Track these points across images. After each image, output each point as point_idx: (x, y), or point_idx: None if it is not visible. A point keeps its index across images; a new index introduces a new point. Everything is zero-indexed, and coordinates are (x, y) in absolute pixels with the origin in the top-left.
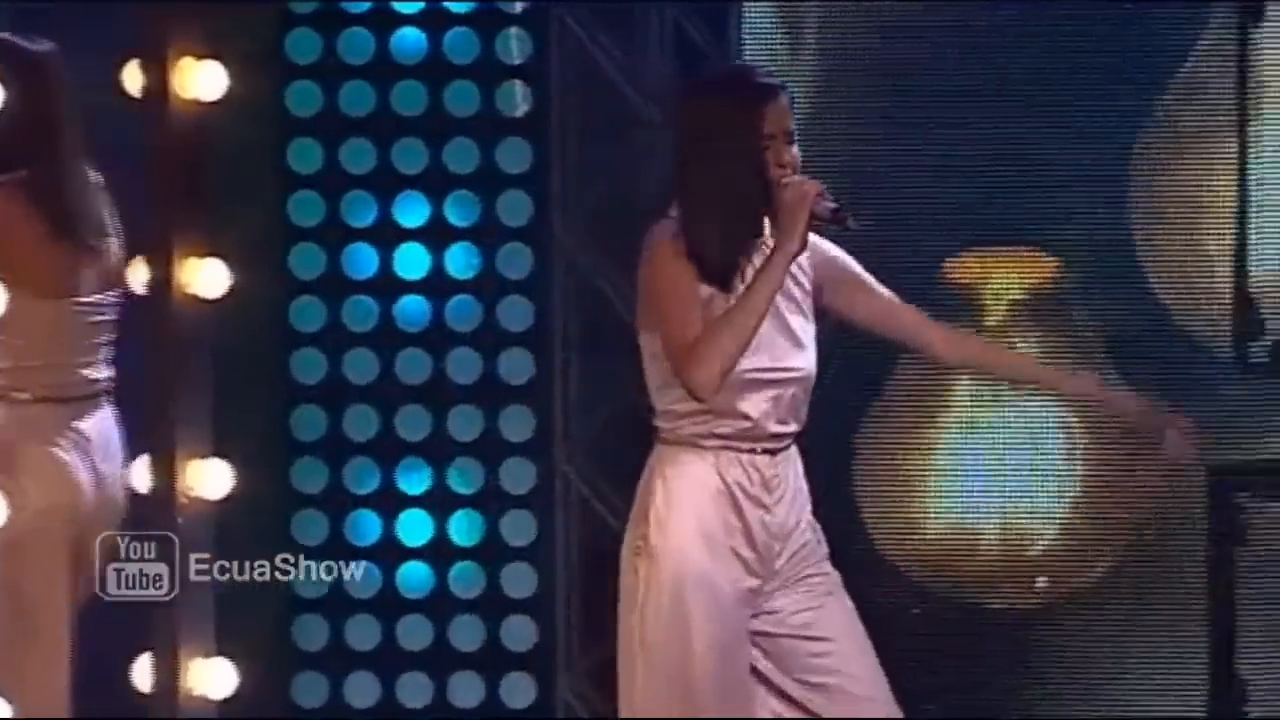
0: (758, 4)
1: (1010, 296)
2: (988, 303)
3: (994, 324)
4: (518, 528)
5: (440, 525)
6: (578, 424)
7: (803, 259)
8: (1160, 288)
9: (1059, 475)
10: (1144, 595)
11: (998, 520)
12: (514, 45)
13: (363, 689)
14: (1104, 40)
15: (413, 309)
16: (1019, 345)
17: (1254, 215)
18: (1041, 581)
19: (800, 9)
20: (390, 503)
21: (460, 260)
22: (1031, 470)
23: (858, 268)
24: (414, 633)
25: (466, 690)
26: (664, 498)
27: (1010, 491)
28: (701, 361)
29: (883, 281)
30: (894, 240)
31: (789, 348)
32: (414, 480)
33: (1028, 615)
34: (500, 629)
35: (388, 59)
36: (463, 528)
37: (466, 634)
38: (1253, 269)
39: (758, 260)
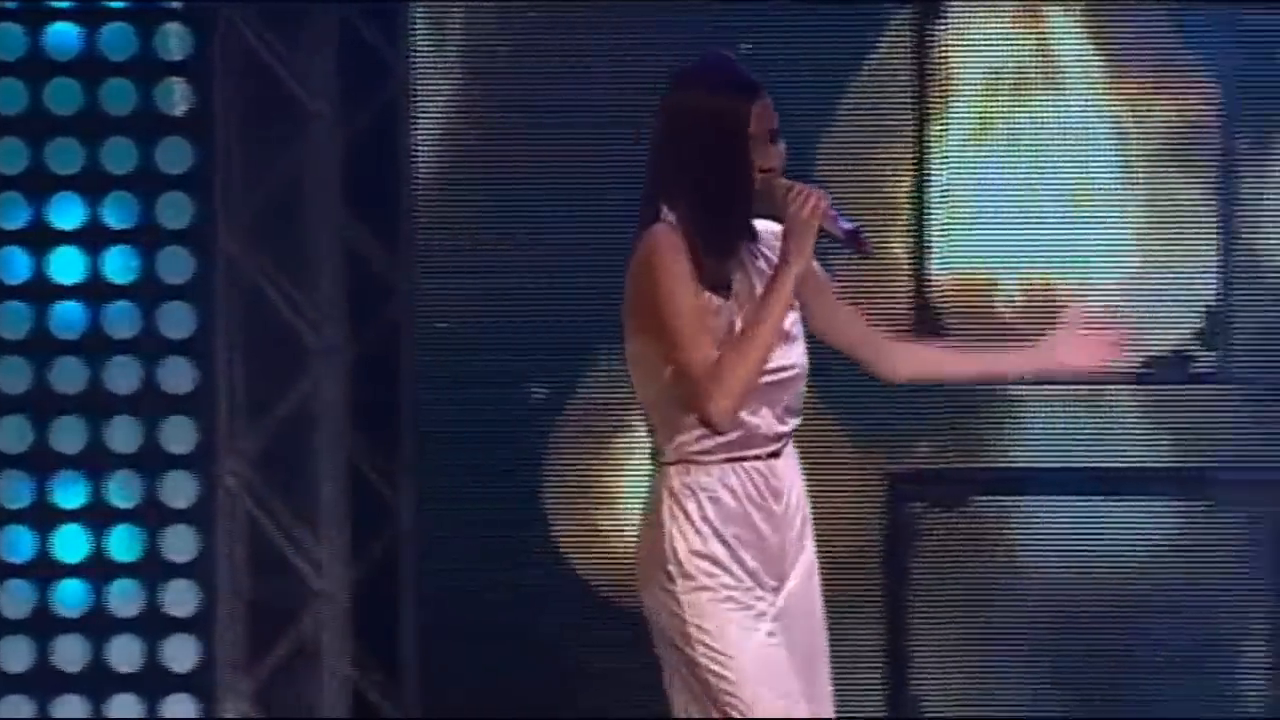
0: (427, 4)
1: None
2: None
3: None
4: (179, 543)
5: (98, 541)
6: (242, 434)
7: (776, 246)
8: (840, 290)
9: None
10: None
11: None
12: (174, 41)
13: (15, 712)
14: (781, 40)
15: (68, 315)
16: None
17: (932, 217)
18: None
19: (469, 9)
20: (45, 518)
21: (118, 264)
22: None
23: (821, 271)
24: (70, 653)
25: (125, 712)
26: (675, 526)
27: None
28: (719, 395)
29: (540, 284)
30: (554, 241)
31: (783, 345)
32: (70, 494)
33: None
34: (160, 648)
35: (40, 55)
36: (122, 543)
37: (125, 653)
38: (932, 271)
39: (751, 265)
